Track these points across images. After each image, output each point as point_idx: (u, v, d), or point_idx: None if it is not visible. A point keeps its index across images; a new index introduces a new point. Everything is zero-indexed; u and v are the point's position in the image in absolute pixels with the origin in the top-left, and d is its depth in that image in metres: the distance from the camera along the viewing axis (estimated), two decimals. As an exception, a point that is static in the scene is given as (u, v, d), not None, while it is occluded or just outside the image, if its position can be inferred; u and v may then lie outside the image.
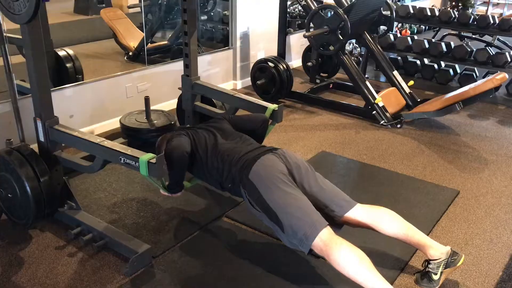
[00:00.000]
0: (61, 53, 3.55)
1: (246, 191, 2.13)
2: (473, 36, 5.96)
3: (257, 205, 2.08)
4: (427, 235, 2.22)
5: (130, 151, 2.12)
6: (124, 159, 2.11)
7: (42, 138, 2.41)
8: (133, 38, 4.50)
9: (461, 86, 4.44)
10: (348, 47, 5.56)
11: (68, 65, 3.53)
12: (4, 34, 2.69)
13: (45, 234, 2.42)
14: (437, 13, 5.28)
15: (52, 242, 2.36)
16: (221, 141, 2.35)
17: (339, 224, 2.12)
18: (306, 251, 1.95)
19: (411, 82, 4.39)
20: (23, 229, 2.44)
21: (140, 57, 4.30)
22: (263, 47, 5.03)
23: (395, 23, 6.11)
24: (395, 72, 4.43)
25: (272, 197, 2.01)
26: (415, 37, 5.33)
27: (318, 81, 4.92)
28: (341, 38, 3.89)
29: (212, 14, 5.19)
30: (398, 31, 6.70)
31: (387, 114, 4.01)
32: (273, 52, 4.78)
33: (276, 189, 2.02)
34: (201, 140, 2.35)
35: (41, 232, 2.43)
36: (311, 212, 1.98)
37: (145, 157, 2.03)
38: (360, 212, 2.11)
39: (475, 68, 5.01)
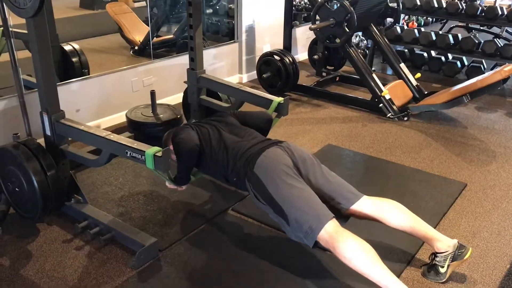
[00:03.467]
0: (67, 47, 3.56)
1: (251, 184, 2.12)
2: (481, 27, 5.90)
3: (262, 198, 2.07)
4: (434, 228, 2.21)
5: (136, 144, 2.12)
6: (130, 153, 2.12)
7: (48, 132, 2.42)
8: (139, 32, 4.49)
9: (468, 79, 4.40)
10: (355, 39, 5.52)
11: (74, 59, 3.54)
12: (10, 28, 2.70)
13: (53, 227, 2.44)
14: (444, 5, 5.22)
15: (60, 235, 2.37)
16: (225, 135, 2.33)
17: (345, 216, 2.12)
18: (311, 244, 1.94)
19: (418, 75, 4.36)
20: (30, 223, 2.45)
21: (145, 51, 4.30)
22: (269, 40, 5.01)
23: (402, 15, 6.07)
24: (402, 65, 4.40)
25: (276, 190, 2.01)
26: (422, 29, 5.29)
27: (324, 74, 4.92)
28: (347, 30, 3.86)
29: (217, 7, 5.18)
30: (405, 23, 6.65)
31: (394, 107, 3.98)
32: (279, 45, 4.76)
33: (281, 182, 2.01)
34: (205, 135, 2.35)
35: (48, 226, 2.45)
36: (316, 205, 1.97)
37: (151, 150, 2.03)
38: (366, 205, 2.11)
39: (483, 60, 4.96)
